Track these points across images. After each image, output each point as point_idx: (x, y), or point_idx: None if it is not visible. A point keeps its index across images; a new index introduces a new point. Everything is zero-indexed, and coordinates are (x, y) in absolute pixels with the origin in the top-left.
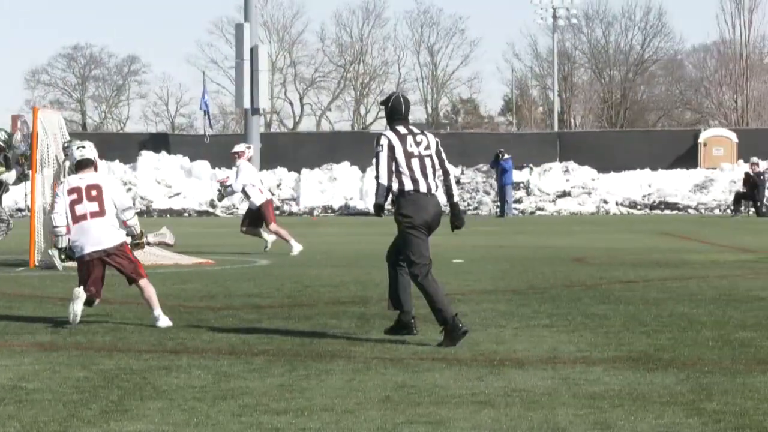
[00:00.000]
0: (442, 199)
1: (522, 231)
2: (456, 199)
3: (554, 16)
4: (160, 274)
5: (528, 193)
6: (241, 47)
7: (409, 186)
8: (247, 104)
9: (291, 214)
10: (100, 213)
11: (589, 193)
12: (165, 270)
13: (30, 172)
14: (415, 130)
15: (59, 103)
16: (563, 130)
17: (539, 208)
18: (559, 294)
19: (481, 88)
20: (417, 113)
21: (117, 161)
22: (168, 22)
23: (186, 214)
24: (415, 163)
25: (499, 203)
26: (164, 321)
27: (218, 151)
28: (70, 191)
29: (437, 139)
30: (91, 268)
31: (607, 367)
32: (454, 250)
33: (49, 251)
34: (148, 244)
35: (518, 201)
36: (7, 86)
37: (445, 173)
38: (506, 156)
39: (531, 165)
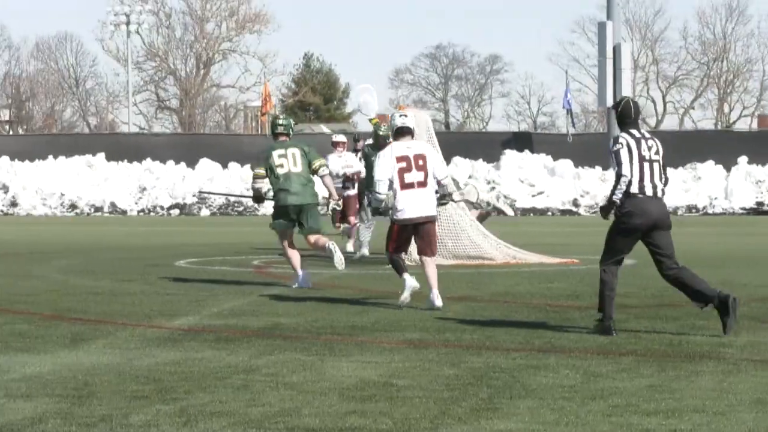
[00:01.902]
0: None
1: None
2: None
3: None
4: (525, 272)
5: None
6: (604, 45)
7: (635, 189)
8: (609, 103)
9: None
10: (425, 183)
11: None
12: (530, 269)
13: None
14: (646, 135)
15: (422, 102)
16: None
17: None
18: None
19: None
20: None
21: (480, 160)
22: (530, 21)
23: (549, 213)
24: (647, 167)
25: None
26: (438, 301)
27: (581, 149)
28: (399, 159)
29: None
30: (407, 231)
31: None
32: None
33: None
34: (453, 200)
35: None
36: (371, 86)
37: (666, 180)
38: None
39: None
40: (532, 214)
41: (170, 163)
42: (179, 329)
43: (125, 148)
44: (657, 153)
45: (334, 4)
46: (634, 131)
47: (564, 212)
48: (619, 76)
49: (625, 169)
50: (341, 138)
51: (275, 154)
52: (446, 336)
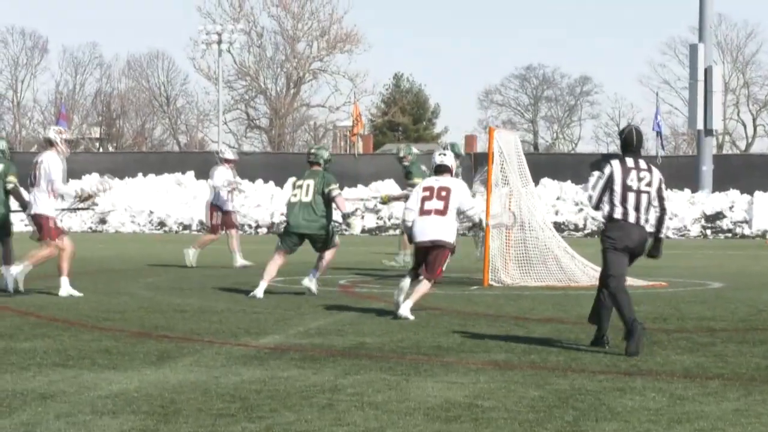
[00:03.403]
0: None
1: None
2: (662, 235)
3: None
4: None
5: None
6: (696, 68)
7: (618, 215)
8: (700, 125)
9: (743, 236)
10: (443, 212)
11: None
12: None
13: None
14: (642, 165)
15: (511, 123)
16: None
17: None
18: None
19: None
20: None
21: (568, 181)
22: (620, 42)
23: None
24: (631, 196)
25: None
26: (404, 311)
27: (670, 172)
28: (425, 189)
29: (661, 177)
30: (422, 254)
31: None
32: None
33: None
34: (485, 225)
35: None
36: (461, 107)
37: (662, 210)
38: None
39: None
40: None
41: (259, 181)
42: (265, 348)
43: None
44: (648, 185)
45: (424, 25)
46: (629, 159)
47: (651, 234)
48: (710, 99)
49: (593, 199)
50: (231, 155)
51: (296, 183)
52: (532, 357)
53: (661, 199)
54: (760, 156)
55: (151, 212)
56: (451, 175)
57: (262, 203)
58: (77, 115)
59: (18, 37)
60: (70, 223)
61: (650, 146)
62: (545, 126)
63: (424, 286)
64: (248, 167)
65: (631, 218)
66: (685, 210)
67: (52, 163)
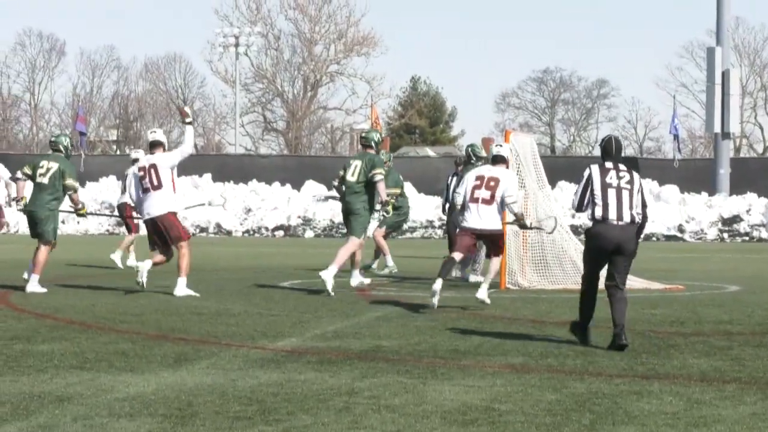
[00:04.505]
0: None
1: None
2: (639, 239)
3: None
4: (629, 298)
5: None
6: (713, 71)
7: (599, 213)
8: (717, 128)
9: (760, 240)
10: (490, 201)
11: None
12: (634, 294)
13: None
14: (622, 167)
15: (528, 126)
16: None
17: None
18: None
19: None
20: None
21: None
22: (638, 46)
23: (654, 239)
24: (611, 193)
25: None
26: (482, 294)
27: (687, 175)
28: (477, 177)
29: (642, 183)
30: (465, 238)
31: None
32: None
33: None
34: (528, 227)
35: None
36: (477, 109)
37: (644, 218)
38: None
39: None
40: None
41: (276, 184)
42: (282, 350)
43: (231, 169)
44: (629, 183)
45: (441, 28)
46: (608, 163)
47: (669, 238)
48: (727, 102)
49: (574, 203)
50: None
51: (349, 163)
52: (549, 361)
53: (644, 205)
54: None
55: None
56: (507, 166)
57: (279, 206)
58: (94, 117)
59: (35, 39)
60: (87, 226)
61: (667, 149)
62: (562, 129)
63: (496, 264)
64: (265, 170)
65: (612, 215)
66: (702, 213)
67: (168, 155)
